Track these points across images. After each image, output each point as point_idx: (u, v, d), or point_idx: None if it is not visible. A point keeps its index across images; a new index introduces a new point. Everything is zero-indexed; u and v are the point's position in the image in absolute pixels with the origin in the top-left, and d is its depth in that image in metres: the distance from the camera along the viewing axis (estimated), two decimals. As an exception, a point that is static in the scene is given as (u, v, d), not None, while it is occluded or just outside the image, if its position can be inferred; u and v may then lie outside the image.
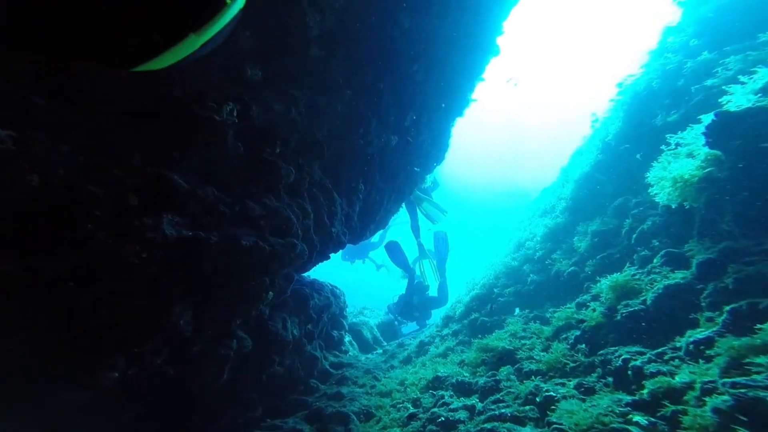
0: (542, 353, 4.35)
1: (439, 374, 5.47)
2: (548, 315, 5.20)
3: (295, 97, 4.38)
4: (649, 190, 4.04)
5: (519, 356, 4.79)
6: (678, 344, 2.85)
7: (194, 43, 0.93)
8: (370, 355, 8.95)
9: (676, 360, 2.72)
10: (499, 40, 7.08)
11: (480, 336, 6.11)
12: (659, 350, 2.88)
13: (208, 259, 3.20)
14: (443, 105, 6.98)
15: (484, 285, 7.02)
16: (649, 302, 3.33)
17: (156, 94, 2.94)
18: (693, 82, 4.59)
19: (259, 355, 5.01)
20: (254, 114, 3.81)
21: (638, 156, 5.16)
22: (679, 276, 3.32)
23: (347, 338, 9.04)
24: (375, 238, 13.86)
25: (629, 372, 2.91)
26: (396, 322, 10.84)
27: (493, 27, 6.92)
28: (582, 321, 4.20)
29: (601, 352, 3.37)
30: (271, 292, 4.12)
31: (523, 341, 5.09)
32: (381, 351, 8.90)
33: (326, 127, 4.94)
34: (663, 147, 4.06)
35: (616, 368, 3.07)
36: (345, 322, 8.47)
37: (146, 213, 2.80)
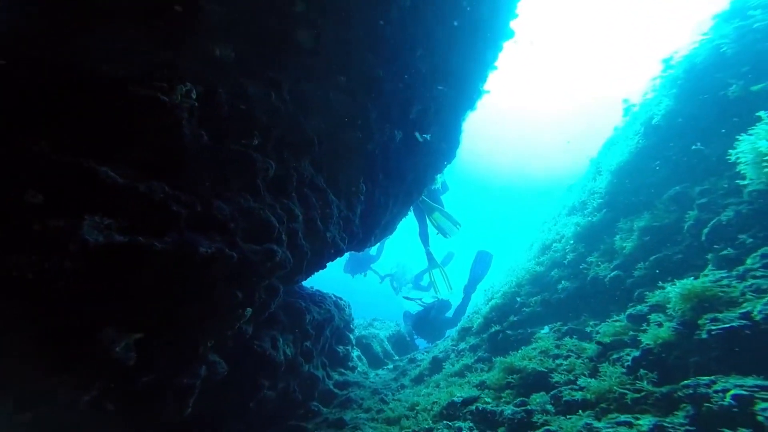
0: (587, 378, 3.35)
1: (456, 399, 4.51)
2: (588, 329, 4.20)
3: (277, 81, 3.59)
4: (738, 169, 3.05)
5: (554, 380, 3.80)
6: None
7: None
8: (380, 371, 8.00)
9: None
10: (513, 24, 6.20)
11: (503, 353, 5.11)
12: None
13: (154, 270, 2.38)
14: (452, 96, 6.11)
15: (505, 293, 6.02)
16: (759, 317, 2.33)
17: (72, 67, 2.18)
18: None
19: (243, 379, 4.16)
20: (222, 99, 3.02)
21: (698, 144, 4.15)
22: (808, 283, 2.34)
23: (355, 353, 8.13)
24: (373, 250, 12.99)
25: (760, 417, 1.91)
26: (408, 337, 9.87)
27: (506, 9, 6.06)
28: (639, 339, 3.20)
29: (687, 382, 2.38)
30: (248, 308, 3.28)
31: (557, 361, 4.09)
32: (392, 366, 7.94)
33: (317, 117, 4.13)
34: (763, 114, 3.07)
35: (724, 408, 2.07)
36: (352, 336, 7.56)
37: (59, 214, 2.00)
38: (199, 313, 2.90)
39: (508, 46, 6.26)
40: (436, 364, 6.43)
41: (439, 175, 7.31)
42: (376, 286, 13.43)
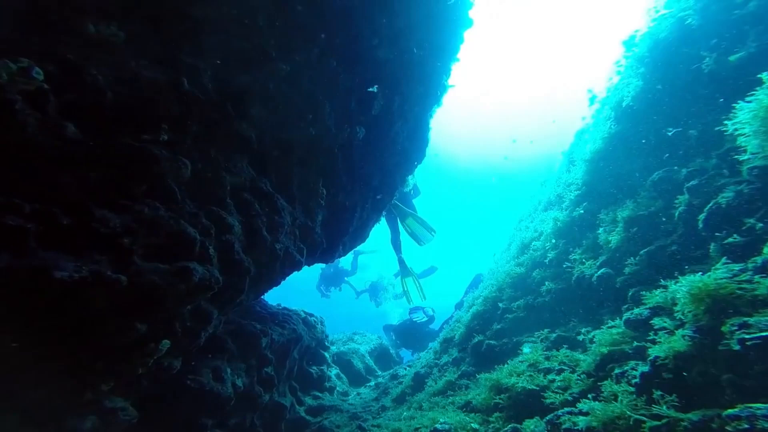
0: (590, 401, 2.65)
1: (438, 426, 3.76)
2: (580, 337, 3.52)
3: (192, 67, 2.84)
4: (737, 143, 2.49)
5: (549, 401, 3.10)
6: None
7: None
8: (362, 389, 7.15)
9: None
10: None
11: (488, 367, 4.40)
12: None
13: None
14: (417, 90, 5.49)
15: (485, 299, 5.34)
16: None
17: None
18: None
19: (180, 421, 3.31)
20: (98, 82, 2.25)
21: (675, 124, 3.63)
22: None
23: (333, 372, 7.26)
24: (347, 264, 12.02)
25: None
26: (392, 350, 9.06)
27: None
28: (645, 349, 2.54)
29: (733, 411, 1.70)
30: (165, 341, 2.47)
31: (550, 377, 3.39)
32: (374, 384, 7.10)
33: (255, 110, 3.40)
34: (765, 75, 2.51)
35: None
36: (327, 354, 6.71)
37: None
38: (79, 353, 2.08)
39: (468, 36, 5.71)
40: (419, 381, 5.65)
41: (410, 177, 6.64)
42: (356, 298, 12.44)
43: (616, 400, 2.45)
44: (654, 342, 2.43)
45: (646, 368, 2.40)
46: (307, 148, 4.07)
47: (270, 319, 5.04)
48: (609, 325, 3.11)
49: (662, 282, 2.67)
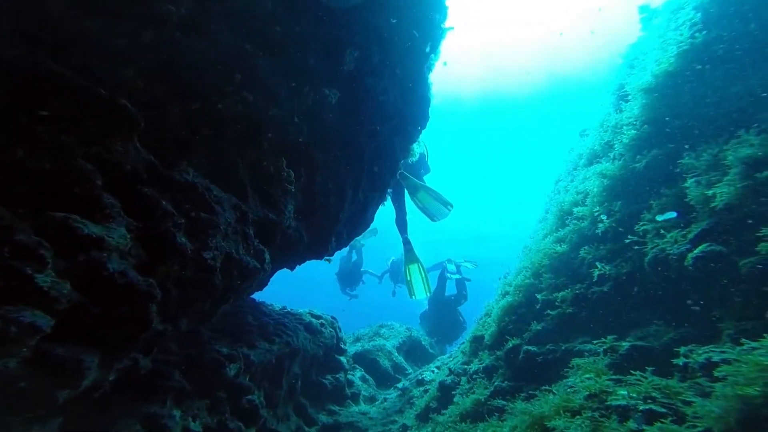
0: None
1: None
2: (680, 360, 1.97)
3: None
4: None
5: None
6: None
7: None
8: (390, 393, 6.00)
9: None
10: None
11: (529, 382, 3.00)
12: None
13: None
14: (403, 37, 4.01)
15: (518, 287, 3.83)
16: None
17: None
18: None
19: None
20: None
21: None
22: None
23: (358, 374, 6.19)
24: (353, 255, 10.41)
25: None
26: (423, 341, 7.79)
27: None
28: None
29: None
30: None
31: (631, 425, 1.91)
32: (401, 387, 5.90)
33: (129, 70, 2.20)
34: None
35: None
36: (344, 359, 5.61)
37: None
38: None
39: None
40: (445, 392, 4.33)
41: (414, 145, 5.17)
42: (379, 282, 11.01)
43: None
44: None
45: None
46: (246, 121, 2.85)
47: (258, 332, 3.99)
48: (748, 345, 1.55)
49: None
